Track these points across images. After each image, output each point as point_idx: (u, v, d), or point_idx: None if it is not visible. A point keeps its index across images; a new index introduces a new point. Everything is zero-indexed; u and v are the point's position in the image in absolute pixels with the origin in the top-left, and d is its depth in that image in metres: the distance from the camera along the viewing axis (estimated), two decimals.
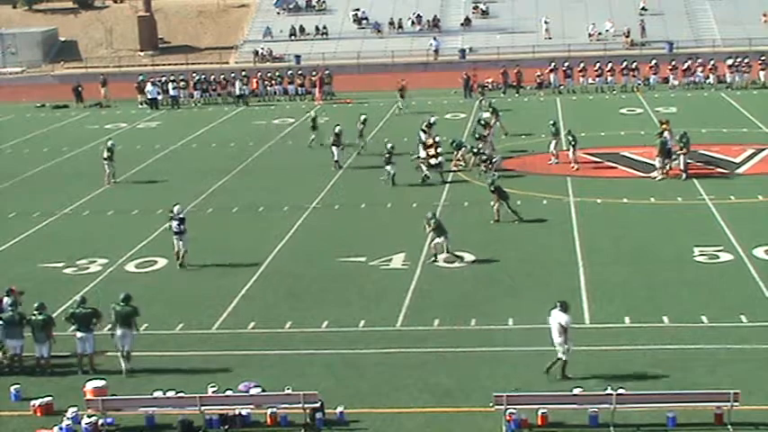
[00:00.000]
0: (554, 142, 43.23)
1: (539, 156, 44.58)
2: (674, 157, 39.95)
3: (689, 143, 40.06)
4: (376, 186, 40.26)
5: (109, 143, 44.80)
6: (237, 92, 64.92)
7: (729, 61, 62.93)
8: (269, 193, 40.55)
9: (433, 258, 31.04)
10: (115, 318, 23.77)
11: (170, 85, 65.60)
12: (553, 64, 64.18)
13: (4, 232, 36.55)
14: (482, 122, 44.78)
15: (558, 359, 22.37)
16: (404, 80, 60.56)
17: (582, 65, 64.13)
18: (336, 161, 43.95)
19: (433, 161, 41.12)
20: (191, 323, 26.60)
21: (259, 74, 67.37)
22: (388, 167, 40.48)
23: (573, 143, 41.81)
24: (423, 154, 41.77)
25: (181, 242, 31.47)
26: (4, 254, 34.33)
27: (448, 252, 31.10)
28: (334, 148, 44.09)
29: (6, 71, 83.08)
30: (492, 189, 35.32)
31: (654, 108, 55.78)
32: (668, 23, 79.44)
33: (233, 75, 67.92)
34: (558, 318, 22.41)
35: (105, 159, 43.69)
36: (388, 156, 40.70)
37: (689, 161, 40.11)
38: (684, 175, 39.28)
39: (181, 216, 31.52)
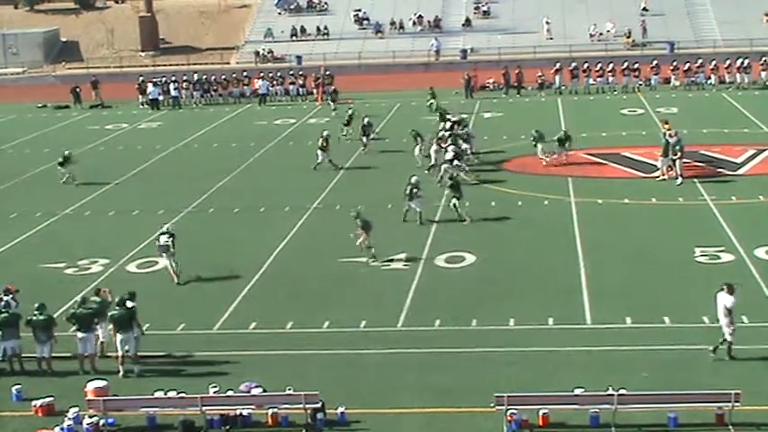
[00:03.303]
0: (540, 146, 43.60)
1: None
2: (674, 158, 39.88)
3: (682, 146, 39.93)
4: (377, 186, 40.21)
5: (66, 152, 45.00)
6: (261, 90, 65.00)
7: (738, 62, 62.82)
8: (270, 193, 40.55)
9: (373, 258, 31.14)
10: (113, 323, 23.81)
11: (171, 86, 65.64)
12: (558, 64, 64.08)
13: (5, 232, 36.57)
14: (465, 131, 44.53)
15: (725, 340, 22.86)
16: (333, 86, 61.67)
17: (586, 65, 64.11)
18: (319, 163, 43.93)
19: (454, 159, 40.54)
20: (192, 323, 26.60)
21: (261, 74, 67.32)
22: (413, 203, 35.48)
23: (565, 143, 42.25)
24: (450, 155, 40.69)
25: (169, 259, 30.46)
26: (5, 254, 34.35)
27: (369, 247, 31.32)
28: (319, 152, 44.08)
29: (8, 71, 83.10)
30: (450, 184, 35.49)
31: (655, 108, 55.78)
32: (669, 24, 79.46)
33: (245, 73, 68.30)
34: (723, 300, 22.98)
35: (59, 165, 44.06)
36: (411, 190, 35.53)
37: (685, 161, 40.03)
38: (680, 179, 39.18)
39: (171, 231, 30.87)
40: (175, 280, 30.25)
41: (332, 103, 59.71)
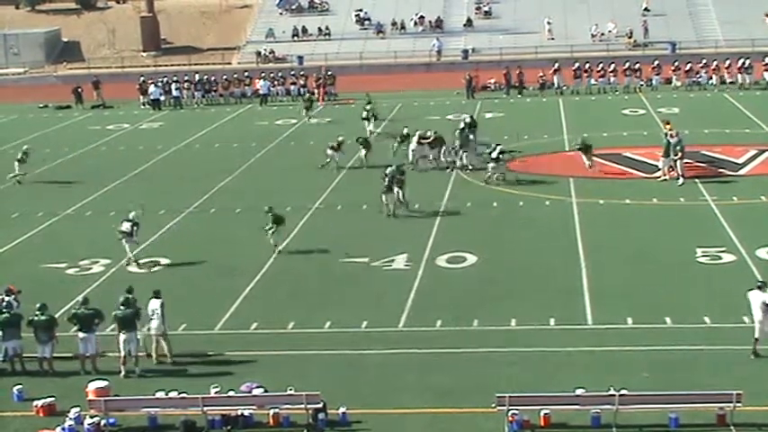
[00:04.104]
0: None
1: (542, 156, 44.64)
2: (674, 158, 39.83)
3: (683, 146, 39.91)
4: (377, 187, 40.13)
5: (24, 147, 45.76)
6: (262, 91, 64.83)
7: (739, 62, 62.77)
8: (271, 193, 40.48)
9: (276, 248, 32.51)
10: (117, 322, 23.87)
11: (173, 86, 65.61)
12: (557, 64, 64.08)
13: (7, 232, 36.59)
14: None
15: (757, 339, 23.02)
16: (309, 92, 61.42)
17: (588, 65, 64.13)
18: (328, 162, 44.03)
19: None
20: (193, 323, 26.60)
21: (262, 74, 67.32)
22: (387, 197, 36.40)
23: (588, 152, 41.82)
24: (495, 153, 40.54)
25: (128, 245, 32.06)
26: (7, 254, 34.37)
27: (275, 242, 32.63)
28: (330, 151, 44.07)
29: (9, 72, 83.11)
30: (398, 180, 36.48)
31: (656, 109, 55.77)
32: (671, 24, 79.43)
33: (246, 74, 68.35)
34: (761, 297, 23.04)
35: (17, 161, 44.56)
36: (389, 180, 36.53)
37: (686, 161, 40.01)
38: (682, 179, 39.17)
39: (137, 220, 32.33)
40: (130, 266, 31.89)
41: (306, 111, 57.49)
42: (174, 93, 65.38)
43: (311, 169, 44.10)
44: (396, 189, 36.36)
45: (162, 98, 64.98)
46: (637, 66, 63.67)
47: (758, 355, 22.92)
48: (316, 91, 64.67)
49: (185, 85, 66.69)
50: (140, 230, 32.55)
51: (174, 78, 66.97)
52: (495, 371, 22.93)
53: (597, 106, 58.79)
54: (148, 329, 24.47)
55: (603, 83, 63.46)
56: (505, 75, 64.50)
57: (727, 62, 63.83)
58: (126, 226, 32.07)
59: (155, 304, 24.42)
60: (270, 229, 32.57)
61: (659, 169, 40.34)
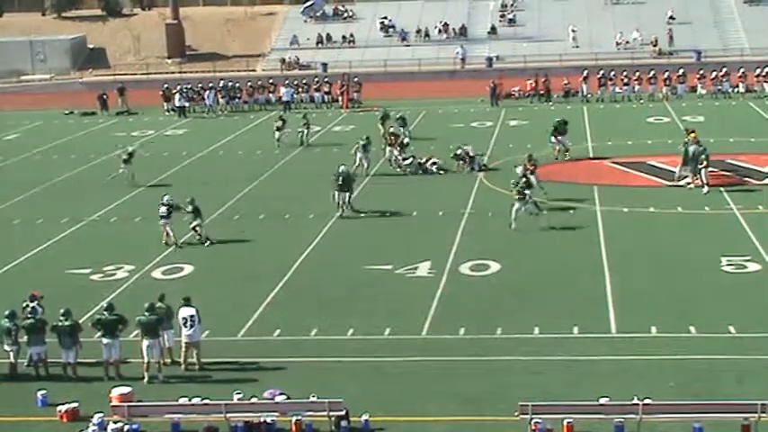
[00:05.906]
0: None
1: (566, 164, 44.52)
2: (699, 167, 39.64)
3: (707, 155, 39.72)
4: (402, 194, 40.19)
5: (130, 148, 46.47)
6: (285, 98, 64.49)
7: (765, 70, 62.44)
8: (295, 200, 40.59)
9: (200, 238, 35.03)
10: (141, 328, 23.94)
11: (207, 93, 65.35)
12: (586, 72, 63.78)
13: (31, 238, 36.75)
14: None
15: None
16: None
17: (612, 73, 63.91)
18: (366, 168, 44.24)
19: None
20: (216, 330, 26.62)
21: (286, 81, 67.37)
22: (338, 195, 37.81)
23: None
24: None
25: (168, 227, 34.90)
26: (31, 260, 34.52)
27: (195, 230, 35.25)
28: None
29: (35, 78, 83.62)
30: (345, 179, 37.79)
31: (681, 117, 55.51)
32: (696, 32, 79.14)
33: (270, 81, 68.42)
34: None
35: (124, 162, 44.96)
36: (341, 180, 37.70)
37: (711, 170, 39.82)
38: (707, 188, 38.98)
39: (171, 203, 35.19)
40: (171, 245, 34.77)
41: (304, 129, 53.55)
42: (208, 101, 65.24)
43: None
44: (346, 190, 37.64)
45: (187, 105, 64.92)
46: (666, 74, 63.16)
47: None
48: (340, 98, 64.70)
49: (209, 92, 66.73)
50: (174, 212, 35.14)
51: (201, 85, 67.03)
52: (518, 379, 22.89)
53: (622, 114, 58.57)
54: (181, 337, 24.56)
55: (628, 91, 63.18)
56: (534, 82, 64.39)
57: (757, 70, 63.39)
58: (162, 210, 34.92)
59: (188, 312, 24.47)
60: (194, 223, 35.14)
61: (682, 177, 40.11)
